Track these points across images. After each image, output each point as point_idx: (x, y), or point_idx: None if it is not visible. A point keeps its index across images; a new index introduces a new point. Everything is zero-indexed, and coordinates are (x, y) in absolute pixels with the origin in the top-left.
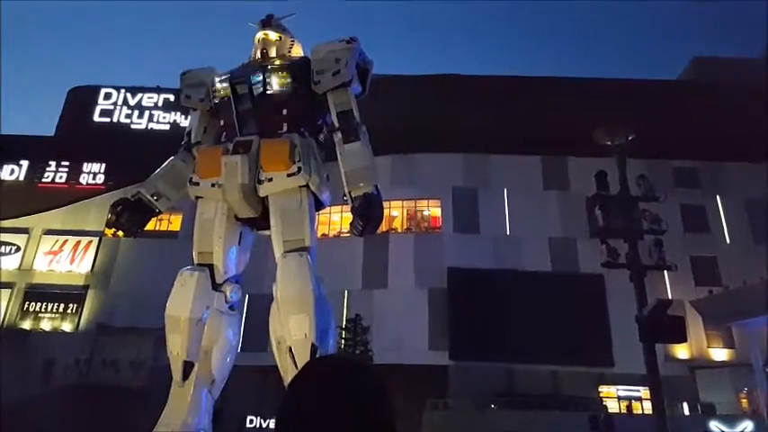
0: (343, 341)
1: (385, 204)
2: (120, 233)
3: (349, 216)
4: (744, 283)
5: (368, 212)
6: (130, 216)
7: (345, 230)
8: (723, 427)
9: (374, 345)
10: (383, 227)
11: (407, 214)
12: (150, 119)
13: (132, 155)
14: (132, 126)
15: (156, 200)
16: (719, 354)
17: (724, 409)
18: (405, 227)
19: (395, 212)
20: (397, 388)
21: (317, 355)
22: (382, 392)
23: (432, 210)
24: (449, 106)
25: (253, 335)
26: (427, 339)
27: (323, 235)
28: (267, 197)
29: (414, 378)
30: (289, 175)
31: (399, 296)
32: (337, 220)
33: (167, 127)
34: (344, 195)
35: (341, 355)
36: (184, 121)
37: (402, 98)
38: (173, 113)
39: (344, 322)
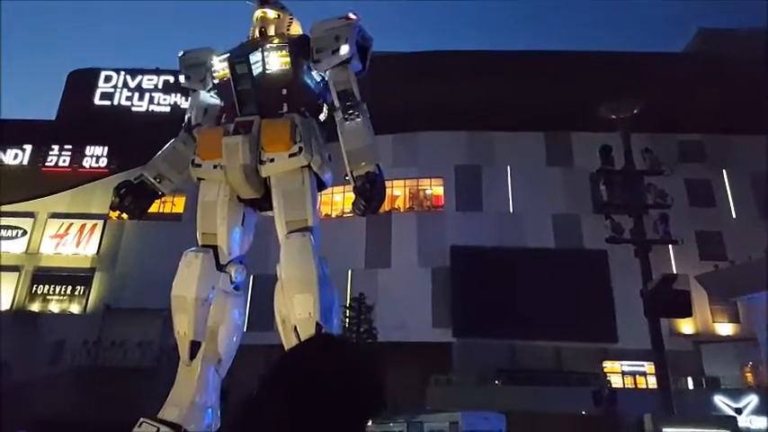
0: (347, 320)
1: (387, 183)
2: (125, 215)
3: (351, 196)
4: (749, 258)
5: (370, 192)
6: (134, 199)
7: (348, 210)
8: (728, 401)
9: (378, 323)
10: (385, 206)
11: (410, 193)
12: (151, 101)
13: (134, 137)
14: (133, 109)
15: (159, 182)
16: (724, 328)
17: (729, 383)
18: (407, 206)
19: (397, 191)
20: (402, 365)
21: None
22: (366, 374)
23: (434, 188)
24: (450, 83)
25: (258, 314)
26: (431, 317)
27: (325, 215)
28: (269, 178)
29: (418, 355)
30: (290, 156)
31: (403, 275)
32: (339, 200)
33: (168, 109)
34: (346, 175)
35: (337, 335)
36: (185, 103)
37: (403, 76)
38: (173, 95)
39: (348, 301)
